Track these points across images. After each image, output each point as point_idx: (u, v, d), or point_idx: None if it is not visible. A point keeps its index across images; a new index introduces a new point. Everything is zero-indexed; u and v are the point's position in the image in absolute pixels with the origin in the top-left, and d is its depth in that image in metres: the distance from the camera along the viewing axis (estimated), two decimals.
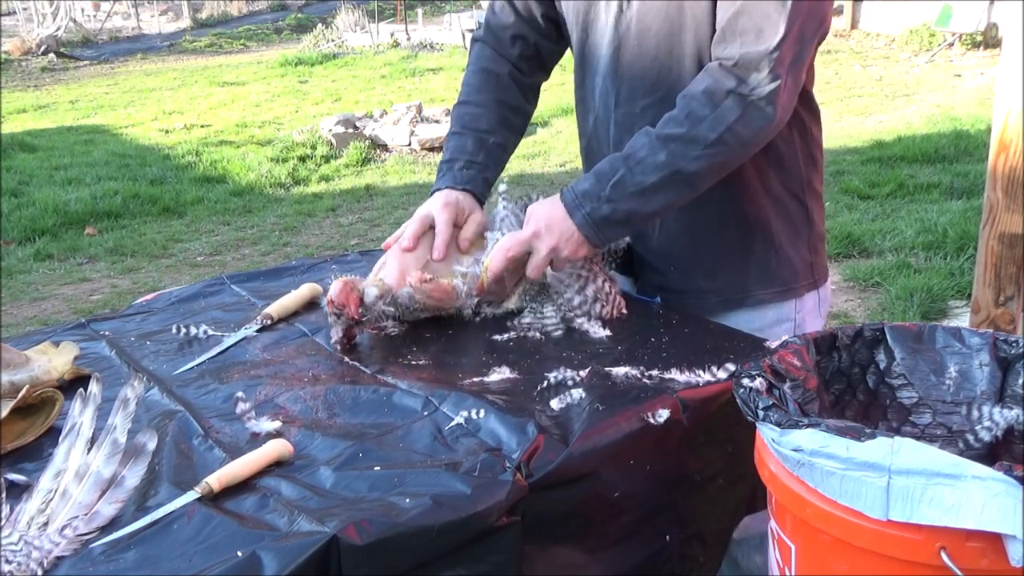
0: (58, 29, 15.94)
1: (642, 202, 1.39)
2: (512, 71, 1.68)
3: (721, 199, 1.51)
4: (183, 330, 1.51)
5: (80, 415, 1.10)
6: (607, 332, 1.44)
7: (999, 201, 2.19)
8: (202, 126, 9.68)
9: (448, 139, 1.66)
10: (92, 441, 1.07)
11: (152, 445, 1.09)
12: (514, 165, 7.49)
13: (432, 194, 1.59)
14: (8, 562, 0.91)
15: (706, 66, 1.39)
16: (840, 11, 12.76)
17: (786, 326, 1.58)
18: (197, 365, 1.40)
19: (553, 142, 8.13)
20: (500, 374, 1.31)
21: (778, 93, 1.33)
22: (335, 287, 1.41)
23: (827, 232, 5.25)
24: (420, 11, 16.71)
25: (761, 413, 0.99)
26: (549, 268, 1.48)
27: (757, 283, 1.56)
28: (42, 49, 15.46)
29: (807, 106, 1.53)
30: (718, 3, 1.38)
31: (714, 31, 1.40)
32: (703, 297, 1.56)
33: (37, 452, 1.15)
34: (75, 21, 17.42)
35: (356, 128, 8.45)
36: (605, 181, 1.39)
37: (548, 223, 1.42)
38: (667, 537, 1.22)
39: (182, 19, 19.77)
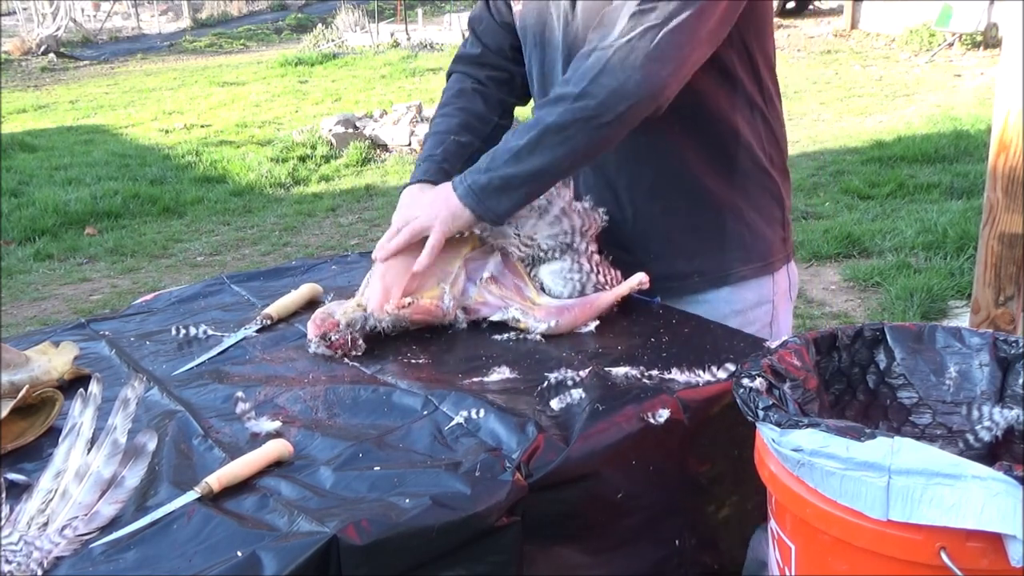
0: (58, 29, 15.95)
1: (518, 164, 1.43)
2: (477, 86, 1.75)
3: (689, 182, 1.56)
4: (183, 330, 1.51)
5: (80, 415, 1.10)
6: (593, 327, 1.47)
7: (999, 201, 2.19)
8: (202, 126, 9.69)
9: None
10: (92, 441, 1.07)
11: (152, 445, 1.09)
12: None
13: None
14: (8, 562, 0.91)
15: None
16: (840, 11, 12.77)
17: (765, 308, 1.62)
18: (197, 365, 1.40)
19: None
20: (500, 374, 1.31)
21: (643, 58, 1.35)
22: (311, 320, 1.44)
23: (827, 232, 5.25)
24: (420, 11, 16.72)
25: (761, 413, 0.99)
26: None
27: (736, 260, 1.60)
28: (42, 49, 15.47)
29: (761, 88, 1.57)
30: None
31: None
32: (686, 279, 1.59)
33: (37, 452, 1.15)
34: (75, 21, 17.43)
35: (356, 128, 8.45)
36: (484, 160, 1.46)
37: (431, 198, 1.48)
38: (676, 542, 1.21)
39: (182, 19, 19.78)
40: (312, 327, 1.42)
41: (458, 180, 1.47)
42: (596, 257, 1.55)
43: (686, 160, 1.54)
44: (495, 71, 1.76)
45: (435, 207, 1.47)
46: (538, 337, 1.45)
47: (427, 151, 1.68)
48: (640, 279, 1.50)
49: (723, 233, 1.59)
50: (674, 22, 1.36)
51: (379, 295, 1.45)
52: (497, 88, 1.77)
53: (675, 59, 1.38)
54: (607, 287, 1.52)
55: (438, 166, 1.63)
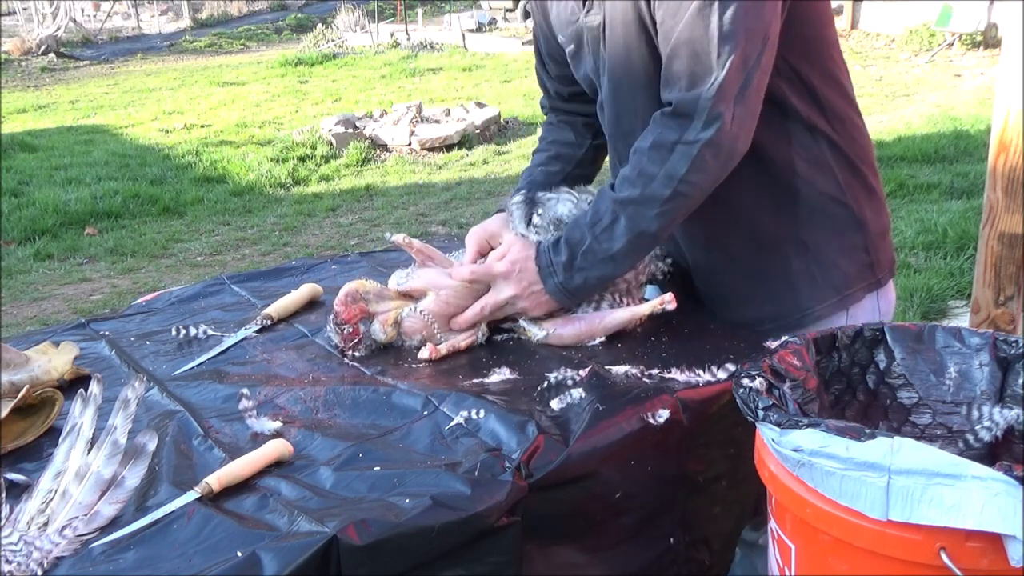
0: (58, 29, 15.94)
1: (613, 267, 1.40)
2: (564, 117, 1.72)
3: (745, 228, 1.49)
4: (183, 330, 1.51)
5: (80, 415, 1.10)
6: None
7: (999, 201, 2.19)
8: (202, 126, 9.68)
9: None
10: (92, 441, 1.07)
11: (152, 446, 1.09)
12: (514, 165, 7.49)
13: None
14: (8, 562, 0.92)
15: (652, 116, 1.37)
16: (840, 11, 12.76)
17: None
18: (197, 365, 1.40)
19: None
20: (500, 374, 1.31)
21: (722, 131, 1.30)
22: (341, 297, 1.40)
23: None
24: (420, 11, 16.71)
25: (761, 413, 0.99)
26: None
27: (809, 299, 1.50)
28: (42, 49, 15.46)
29: (824, 110, 1.46)
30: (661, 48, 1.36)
31: None
32: (759, 326, 1.49)
33: (37, 452, 1.15)
34: (75, 21, 17.42)
35: (356, 128, 8.45)
36: (576, 250, 1.39)
37: (521, 270, 1.41)
38: (671, 539, 1.22)
39: (182, 19, 19.77)
40: (339, 305, 1.40)
41: (547, 271, 1.40)
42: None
43: (739, 207, 1.46)
44: (572, 109, 1.72)
45: (523, 294, 1.42)
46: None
47: (515, 188, 1.63)
48: (664, 298, 1.43)
49: (788, 274, 1.50)
50: (751, 85, 1.30)
51: (417, 327, 1.42)
52: (581, 116, 1.71)
53: (753, 119, 1.35)
54: (625, 306, 1.48)
55: (524, 195, 1.59)
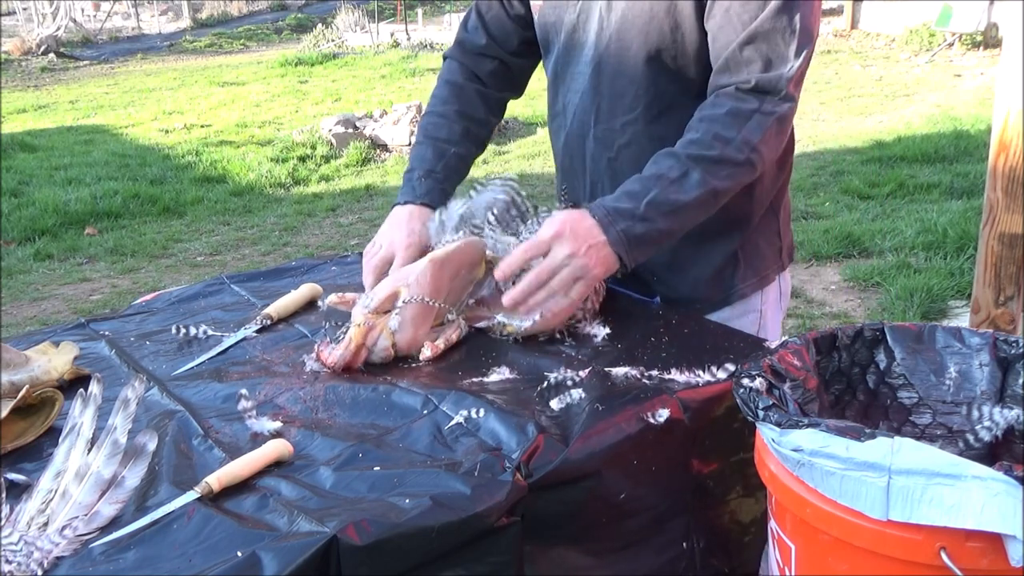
0: (58, 29, 15.95)
1: (676, 220, 1.38)
2: (479, 85, 1.72)
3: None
4: (183, 330, 1.51)
5: (80, 415, 1.10)
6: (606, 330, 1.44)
7: (999, 201, 2.19)
8: (202, 126, 9.69)
9: (412, 149, 1.70)
10: (92, 441, 1.07)
11: (152, 446, 1.09)
12: (514, 165, 7.49)
13: (393, 207, 1.62)
14: (8, 562, 0.92)
15: (719, 91, 1.40)
16: (840, 11, 12.76)
17: (751, 316, 1.62)
18: (197, 365, 1.40)
19: None
20: (500, 374, 1.31)
21: (791, 111, 1.41)
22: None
23: (827, 232, 5.23)
24: (420, 11, 16.72)
25: (761, 413, 0.99)
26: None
27: (737, 279, 1.60)
28: (42, 49, 15.47)
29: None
30: (713, 33, 1.41)
31: (697, 52, 1.44)
32: (689, 305, 1.57)
33: (37, 452, 1.15)
34: (75, 21, 17.43)
35: (356, 128, 8.45)
36: (639, 200, 1.34)
37: (574, 228, 1.33)
38: (684, 544, 1.21)
39: (182, 19, 19.78)
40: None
41: (606, 220, 1.33)
42: None
43: None
44: (498, 65, 1.72)
45: (579, 251, 1.33)
46: (538, 336, 1.44)
47: (427, 163, 1.63)
48: None
49: (726, 253, 1.59)
50: (805, 64, 1.40)
51: (408, 339, 1.38)
52: (498, 86, 1.74)
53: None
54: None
55: (440, 187, 1.61)
